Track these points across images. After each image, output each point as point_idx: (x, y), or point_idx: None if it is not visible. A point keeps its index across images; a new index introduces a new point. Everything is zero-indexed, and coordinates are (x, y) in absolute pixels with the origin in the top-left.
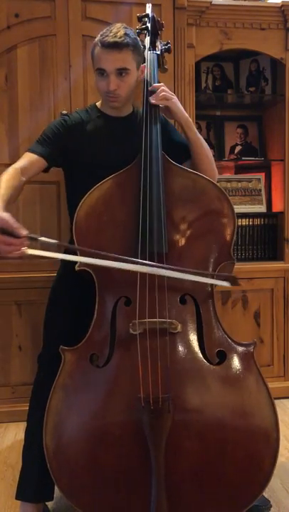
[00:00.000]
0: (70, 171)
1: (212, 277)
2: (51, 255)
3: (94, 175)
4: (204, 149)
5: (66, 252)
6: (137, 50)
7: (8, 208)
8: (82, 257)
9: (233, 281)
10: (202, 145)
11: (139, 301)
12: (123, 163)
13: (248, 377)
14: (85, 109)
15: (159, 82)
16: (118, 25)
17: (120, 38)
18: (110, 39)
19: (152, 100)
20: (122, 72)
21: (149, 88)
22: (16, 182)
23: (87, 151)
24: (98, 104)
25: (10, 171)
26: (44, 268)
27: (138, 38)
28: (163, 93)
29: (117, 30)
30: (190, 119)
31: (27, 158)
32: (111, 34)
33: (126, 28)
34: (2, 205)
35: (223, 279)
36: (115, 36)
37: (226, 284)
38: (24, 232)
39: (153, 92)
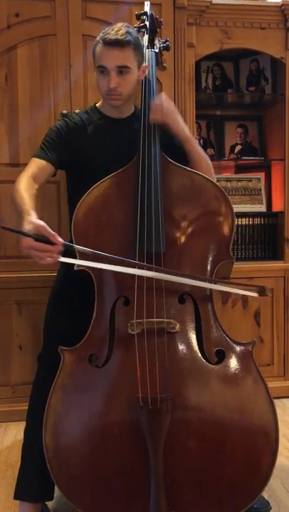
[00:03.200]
0: (71, 171)
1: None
2: (81, 263)
3: (95, 176)
4: (204, 164)
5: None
6: (139, 49)
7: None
8: (110, 265)
9: (262, 291)
10: (201, 161)
11: (137, 301)
12: (124, 165)
13: (247, 377)
14: (85, 111)
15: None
16: (120, 24)
17: (122, 35)
18: (112, 36)
19: (150, 118)
20: (122, 70)
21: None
22: (34, 191)
23: (88, 153)
24: (98, 105)
25: (24, 181)
26: (44, 268)
27: (140, 38)
28: (157, 108)
29: (119, 29)
30: (191, 137)
31: (36, 165)
32: (113, 32)
33: (128, 27)
34: (35, 214)
35: (253, 290)
36: (117, 34)
37: (253, 294)
38: (60, 239)
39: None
